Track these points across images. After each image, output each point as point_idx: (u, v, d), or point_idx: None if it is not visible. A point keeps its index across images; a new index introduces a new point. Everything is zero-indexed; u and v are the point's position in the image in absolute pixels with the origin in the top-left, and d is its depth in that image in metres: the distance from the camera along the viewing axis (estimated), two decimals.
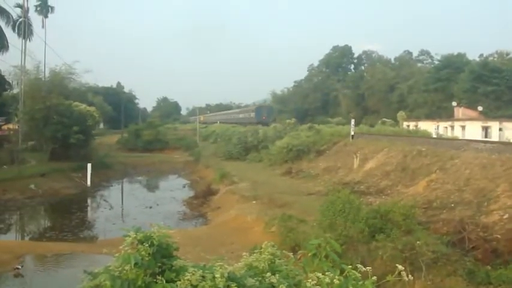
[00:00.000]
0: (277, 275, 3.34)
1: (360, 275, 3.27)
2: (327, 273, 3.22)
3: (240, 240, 18.83)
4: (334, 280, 3.14)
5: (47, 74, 50.26)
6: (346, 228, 14.97)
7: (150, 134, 71.92)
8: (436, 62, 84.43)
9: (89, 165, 38.82)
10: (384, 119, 66.52)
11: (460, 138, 39.83)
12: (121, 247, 3.16)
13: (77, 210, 31.03)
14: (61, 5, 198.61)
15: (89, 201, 36.30)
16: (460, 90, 66.31)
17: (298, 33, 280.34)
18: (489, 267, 12.72)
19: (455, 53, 76.43)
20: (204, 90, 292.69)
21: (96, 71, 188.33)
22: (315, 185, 30.79)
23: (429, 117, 65.33)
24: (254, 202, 25.59)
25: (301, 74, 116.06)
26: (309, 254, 3.54)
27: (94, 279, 3.12)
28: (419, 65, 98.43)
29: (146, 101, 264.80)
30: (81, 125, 43.89)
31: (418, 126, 56.66)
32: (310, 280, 3.15)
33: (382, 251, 13.49)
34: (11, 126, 50.81)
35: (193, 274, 3.02)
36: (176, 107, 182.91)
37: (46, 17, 62.03)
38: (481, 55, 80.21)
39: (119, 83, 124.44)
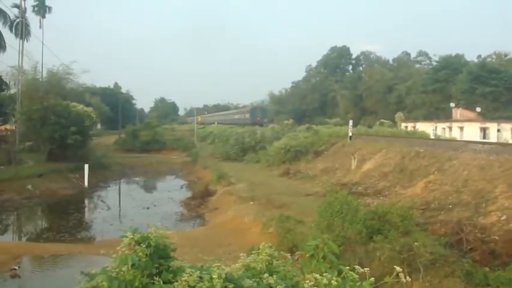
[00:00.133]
0: (274, 276, 3.33)
1: (357, 276, 3.26)
2: (324, 274, 3.22)
3: (238, 241, 18.83)
4: (332, 281, 3.13)
5: (45, 75, 50.27)
6: (343, 229, 14.96)
7: (147, 135, 71.95)
8: (434, 63, 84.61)
9: (86, 166, 38.75)
10: (382, 120, 66.60)
11: (458, 139, 39.85)
12: (118, 248, 3.15)
13: (74, 211, 30.95)
14: (59, 5, 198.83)
15: (86, 202, 36.24)
16: (458, 91, 66.40)
17: (298, 33, 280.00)
18: (487, 269, 12.72)
19: (454, 54, 76.60)
20: (202, 90, 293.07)
21: (94, 71, 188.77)
22: (312, 186, 30.80)
23: (427, 118, 65.43)
24: (252, 203, 25.57)
25: (301, 74, 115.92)
26: (307, 255, 3.53)
27: (91, 280, 3.11)
28: (417, 66, 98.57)
29: (144, 102, 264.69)
30: (78, 125, 43.86)
31: (416, 127, 56.68)
32: (307, 281, 3.14)
33: (380, 252, 13.48)
34: (8, 126, 50.67)
35: (190, 275, 3.01)
36: (174, 107, 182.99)
37: (43, 17, 61.78)
38: (479, 56, 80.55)
39: (116, 84, 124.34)
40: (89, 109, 49.76)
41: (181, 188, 41.57)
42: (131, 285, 3.03)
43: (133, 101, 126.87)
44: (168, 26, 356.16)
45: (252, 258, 3.59)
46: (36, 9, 61.13)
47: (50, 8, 62.67)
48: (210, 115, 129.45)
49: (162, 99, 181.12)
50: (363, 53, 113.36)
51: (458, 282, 12.25)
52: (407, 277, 3.47)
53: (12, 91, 50.75)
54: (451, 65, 72.80)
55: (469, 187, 19.95)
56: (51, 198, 33.83)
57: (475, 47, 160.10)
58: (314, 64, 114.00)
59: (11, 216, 29.42)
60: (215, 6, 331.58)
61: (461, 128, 51.59)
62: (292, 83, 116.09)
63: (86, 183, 38.73)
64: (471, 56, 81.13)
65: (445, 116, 63.30)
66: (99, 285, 3.03)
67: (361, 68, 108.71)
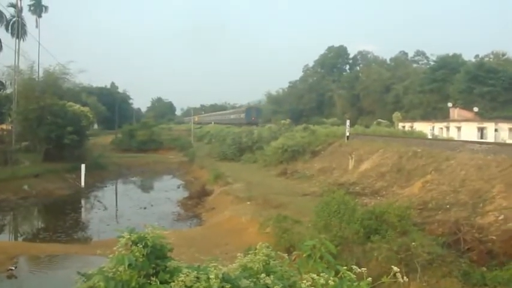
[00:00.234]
0: (271, 276, 3.33)
1: (355, 276, 3.26)
2: (321, 274, 3.21)
3: (235, 241, 18.81)
4: (329, 281, 3.13)
5: (41, 74, 50.34)
6: (341, 229, 14.95)
7: (144, 135, 71.85)
8: (432, 63, 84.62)
9: (83, 166, 38.69)
10: (379, 119, 66.67)
11: (456, 139, 40.00)
12: (115, 248, 3.14)
13: (71, 211, 30.87)
14: (56, 5, 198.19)
15: (82, 202, 36.17)
16: (456, 91, 66.47)
17: (298, 33, 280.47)
18: (484, 269, 12.74)
19: (451, 54, 76.71)
20: (201, 90, 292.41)
21: (91, 71, 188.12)
22: (310, 185, 30.81)
23: (425, 118, 65.52)
24: (249, 203, 25.56)
25: (300, 74, 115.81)
26: (304, 255, 3.53)
27: (88, 281, 3.10)
28: (414, 65, 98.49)
29: (140, 102, 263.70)
30: (75, 125, 43.75)
31: (414, 127, 56.79)
32: (304, 281, 3.14)
33: (377, 252, 13.49)
34: (4, 126, 50.50)
35: (187, 275, 3.00)
36: (171, 107, 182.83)
37: (40, 16, 61.76)
38: (477, 56, 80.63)
39: (113, 83, 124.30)
40: (86, 109, 49.65)
41: (178, 187, 41.54)
42: (128, 285, 3.02)
43: (130, 101, 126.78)
44: (168, 26, 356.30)
45: (249, 258, 3.58)
46: (32, 8, 61.13)
47: (46, 8, 62.72)
48: (207, 115, 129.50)
49: (159, 99, 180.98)
50: (360, 52, 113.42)
51: (455, 282, 12.26)
52: (405, 277, 3.47)
53: (9, 91, 50.71)
54: (449, 65, 72.89)
55: (467, 187, 19.99)
56: (47, 198, 33.76)
57: (473, 47, 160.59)
58: (311, 64, 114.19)
59: (7, 216, 29.34)
60: (215, 6, 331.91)
61: (459, 128, 51.75)
62: (290, 82, 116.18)
63: (83, 183, 38.68)
64: (469, 56, 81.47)
65: (443, 115, 63.41)
66: (95, 285, 3.02)
67: (358, 68, 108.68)
